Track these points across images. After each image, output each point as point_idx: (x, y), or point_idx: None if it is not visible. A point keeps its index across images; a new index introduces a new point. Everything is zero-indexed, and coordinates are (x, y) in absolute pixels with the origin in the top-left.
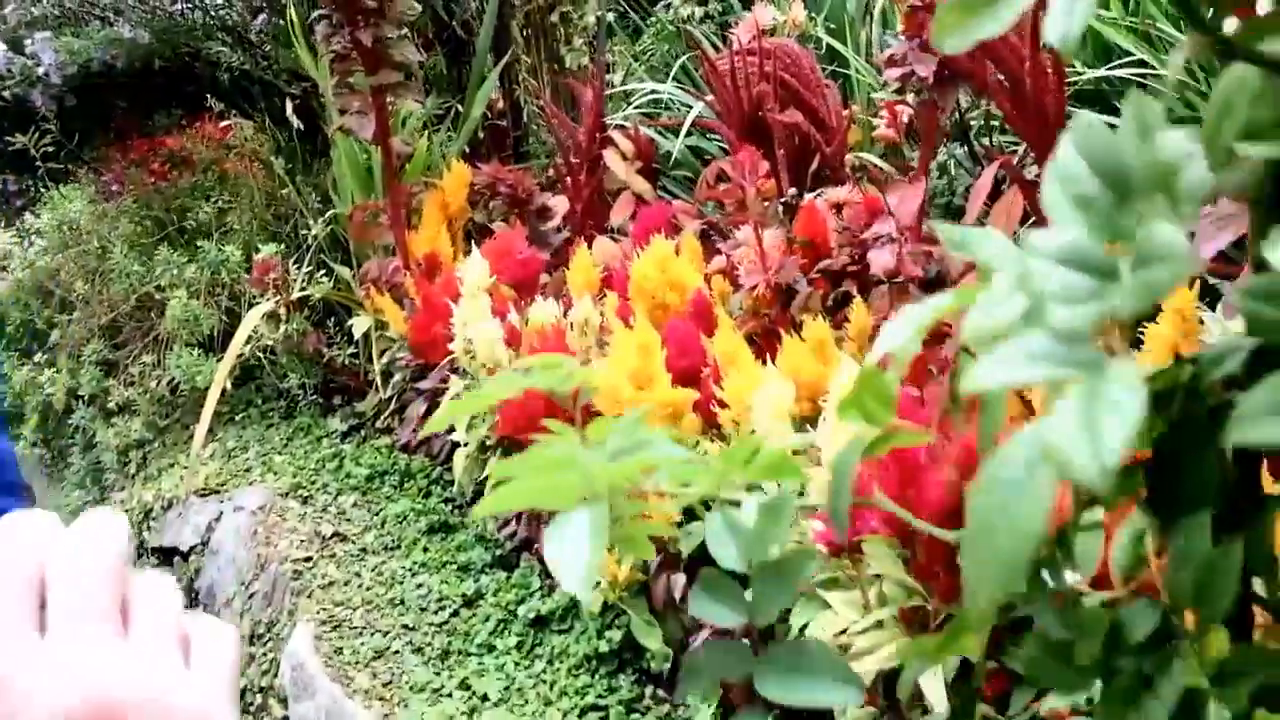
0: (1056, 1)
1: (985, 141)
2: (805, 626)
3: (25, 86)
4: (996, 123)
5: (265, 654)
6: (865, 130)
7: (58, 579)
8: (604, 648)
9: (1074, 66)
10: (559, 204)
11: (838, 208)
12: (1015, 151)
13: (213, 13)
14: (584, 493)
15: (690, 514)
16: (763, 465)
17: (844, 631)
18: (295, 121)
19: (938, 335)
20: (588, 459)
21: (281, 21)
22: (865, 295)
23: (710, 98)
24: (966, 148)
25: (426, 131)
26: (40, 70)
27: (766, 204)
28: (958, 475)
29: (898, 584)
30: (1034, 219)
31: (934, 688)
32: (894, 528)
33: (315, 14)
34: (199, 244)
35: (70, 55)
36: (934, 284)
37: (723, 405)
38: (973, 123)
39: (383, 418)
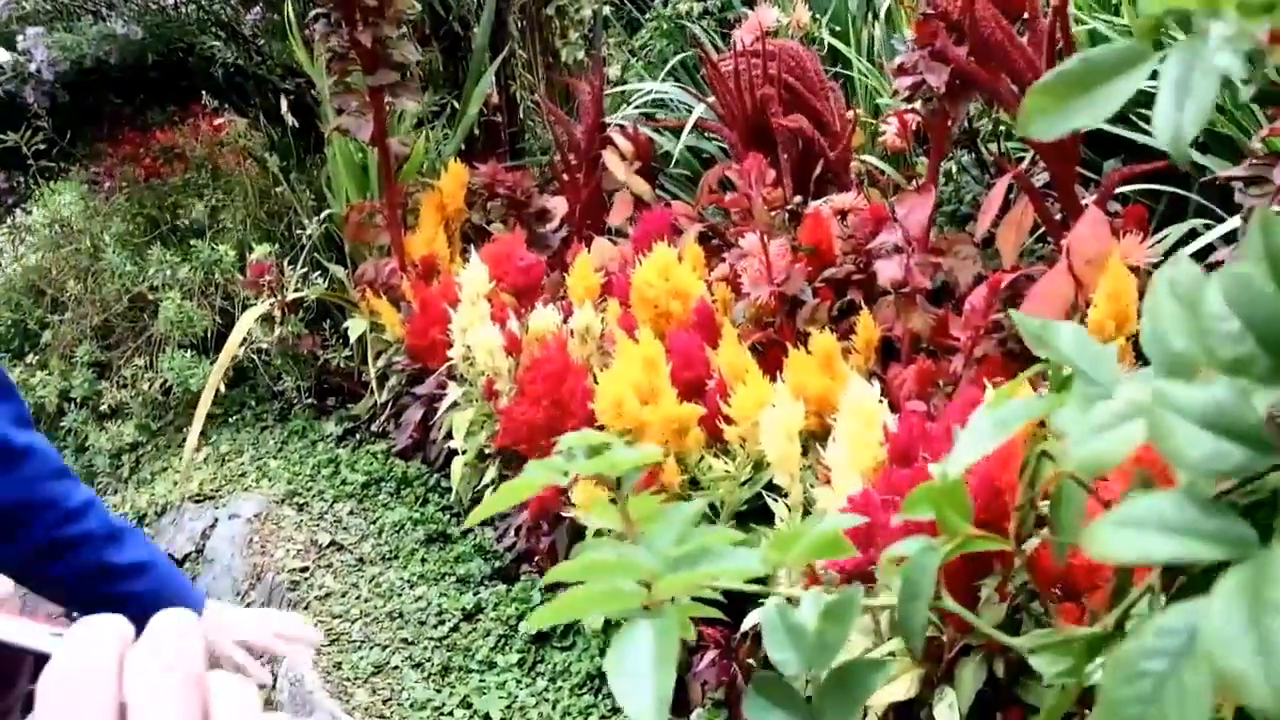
0: (1165, 93)
1: (992, 148)
2: None
3: (17, 83)
4: (1004, 128)
5: (261, 665)
6: (868, 133)
7: (140, 702)
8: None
9: None
10: (558, 206)
11: (842, 214)
12: (1023, 159)
13: (206, 7)
14: (645, 600)
15: None
16: (813, 547)
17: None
18: (290, 118)
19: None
20: (647, 564)
21: (276, 16)
22: (870, 303)
23: (712, 99)
24: (974, 155)
25: (422, 128)
26: (32, 67)
27: (773, 214)
28: (978, 504)
29: None
30: (1043, 230)
31: (946, 717)
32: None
33: (313, 12)
34: (192, 243)
35: (63, 51)
36: (940, 295)
37: (729, 421)
38: (979, 128)
39: (378, 421)
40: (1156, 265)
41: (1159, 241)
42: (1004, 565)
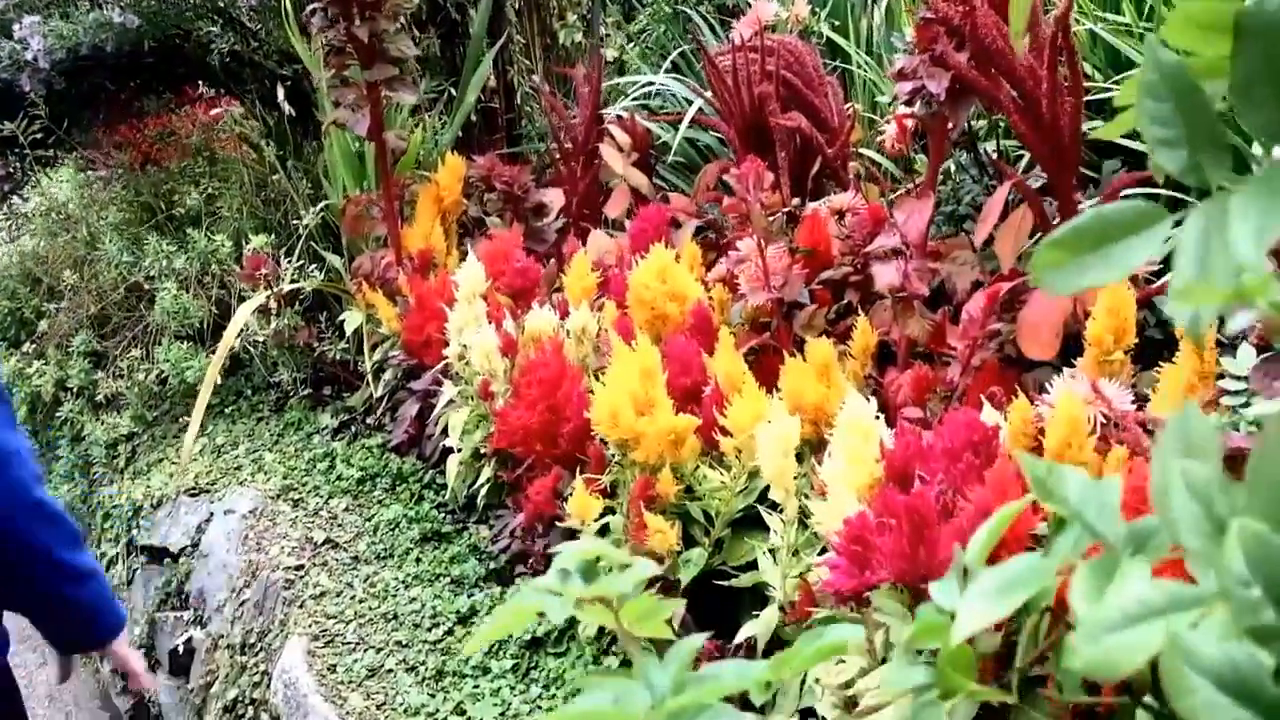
0: (1183, 264)
1: (991, 148)
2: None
3: (13, 71)
4: (1002, 126)
5: (256, 665)
6: (866, 127)
7: None
8: None
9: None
10: (555, 199)
11: (840, 214)
12: (1021, 158)
13: None
14: None
15: (690, 540)
16: (812, 659)
17: (850, 683)
18: (286, 106)
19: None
20: (645, 715)
21: (273, 1)
22: (867, 305)
23: (710, 94)
24: (972, 154)
25: (419, 117)
26: (29, 55)
27: (771, 218)
28: (969, 530)
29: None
30: (1041, 234)
31: None
32: (902, 578)
33: (310, 5)
34: (188, 232)
35: (59, 39)
36: (938, 298)
37: (725, 433)
38: (977, 129)
39: (374, 415)
40: (1155, 274)
41: None
42: None
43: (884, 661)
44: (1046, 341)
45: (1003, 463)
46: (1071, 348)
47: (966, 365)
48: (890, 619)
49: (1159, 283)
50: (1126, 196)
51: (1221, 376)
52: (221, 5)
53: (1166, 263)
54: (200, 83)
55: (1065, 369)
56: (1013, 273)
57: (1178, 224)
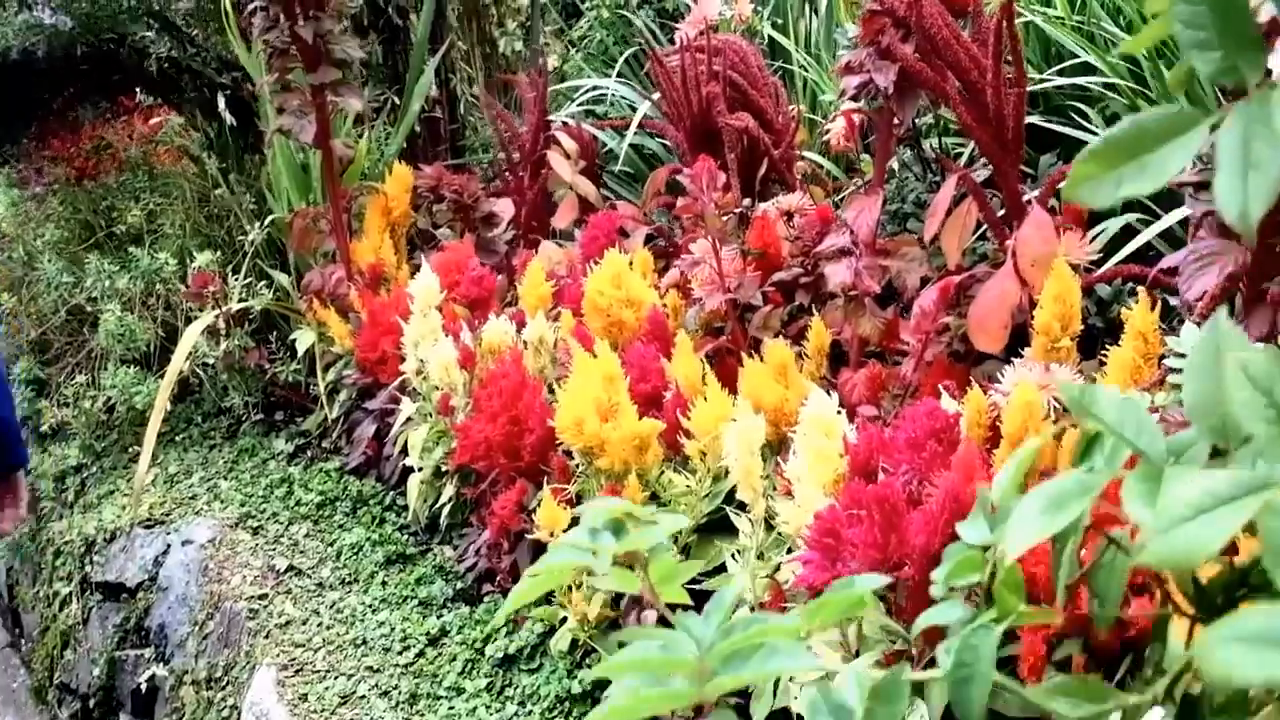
0: (1226, 165)
1: (934, 145)
2: None
3: None
4: (943, 124)
5: (224, 699)
6: (809, 129)
7: None
8: (576, 688)
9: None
10: (504, 209)
11: (788, 215)
12: (960, 156)
13: None
14: (697, 699)
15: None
16: (840, 608)
17: (826, 676)
18: (227, 115)
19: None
20: (696, 661)
21: (211, 4)
22: (819, 306)
23: (657, 96)
24: (916, 152)
25: (362, 126)
26: None
27: (725, 218)
28: (943, 520)
29: (880, 627)
30: (984, 229)
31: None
32: (875, 568)
33: (251, 5)
34: (130, 250)
35: None
36: (887, 297)
37: (689, 435)
38: (921, 126)
39: (330, 437)
40: (1095, 263)
41: (1096, 237)
42: None
43: (857, 654)
44: (995, 333)
45: (967, 447)
46: (1017, 342)
47: (920, 360)
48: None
49: (1099, 272)
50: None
51: (1164, 357)
52: (157, 8)
53: (1108, 249)
54: (138, 90)
55: (1013, 361)
56: (959, 268)
57: (1213, 128)
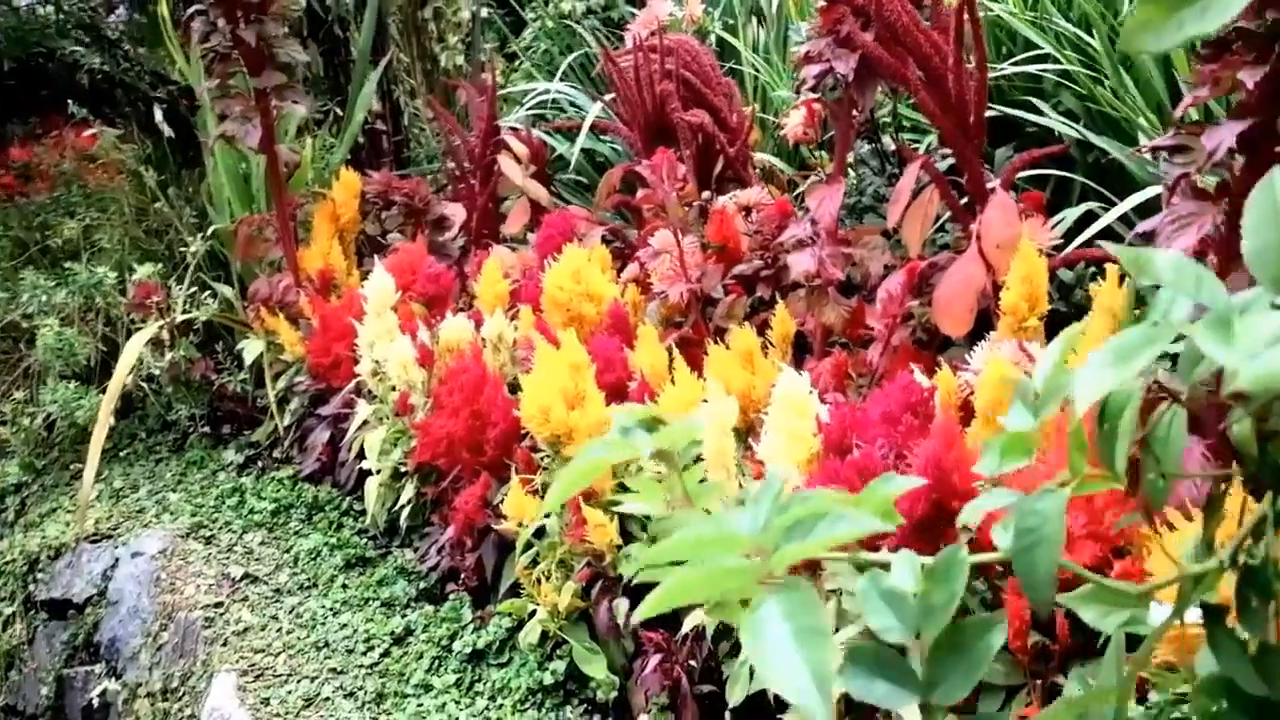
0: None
1: (889, 138)
2: None
3: None
4: (901, 119)
5: (181, 709)
6: (763, 130)
7: None
8: (547, 680)
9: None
10: (456, 213)
11: (746, 210)
12: (917, 149)
13: (66, 6)
14: (760, 577)
15: (628, 536)
16: (882, 499)
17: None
18: (165, 128)
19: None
20: (754, 536)
21: (142, 18)
22: (779, 299)
23: (609, 97)
24: (873, 146)
25: (306, 137)
26: None
27: (686, 209)
28: (928, 486)
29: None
30: (942, 218)
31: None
32: (856, 540)
33: (190, 10)
34: (67, 265)
35: None
36: (848, 288)
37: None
38: (879, 120)
39: (282, 447)
40: (1057, 249)
41: (1056, 224)
42: None
43: (836, 632)
44: (961, 316)
45: (946, 415)
46: (980, 328)
47: (886, 345)
48: (843, 580)
49: (1061, 255)
50: (1028, 178)
51: None
52: (89, 21)
53: (1068, 236)
54: (70, 104)
55: (979, 345)
56: (921, 256)
57: None
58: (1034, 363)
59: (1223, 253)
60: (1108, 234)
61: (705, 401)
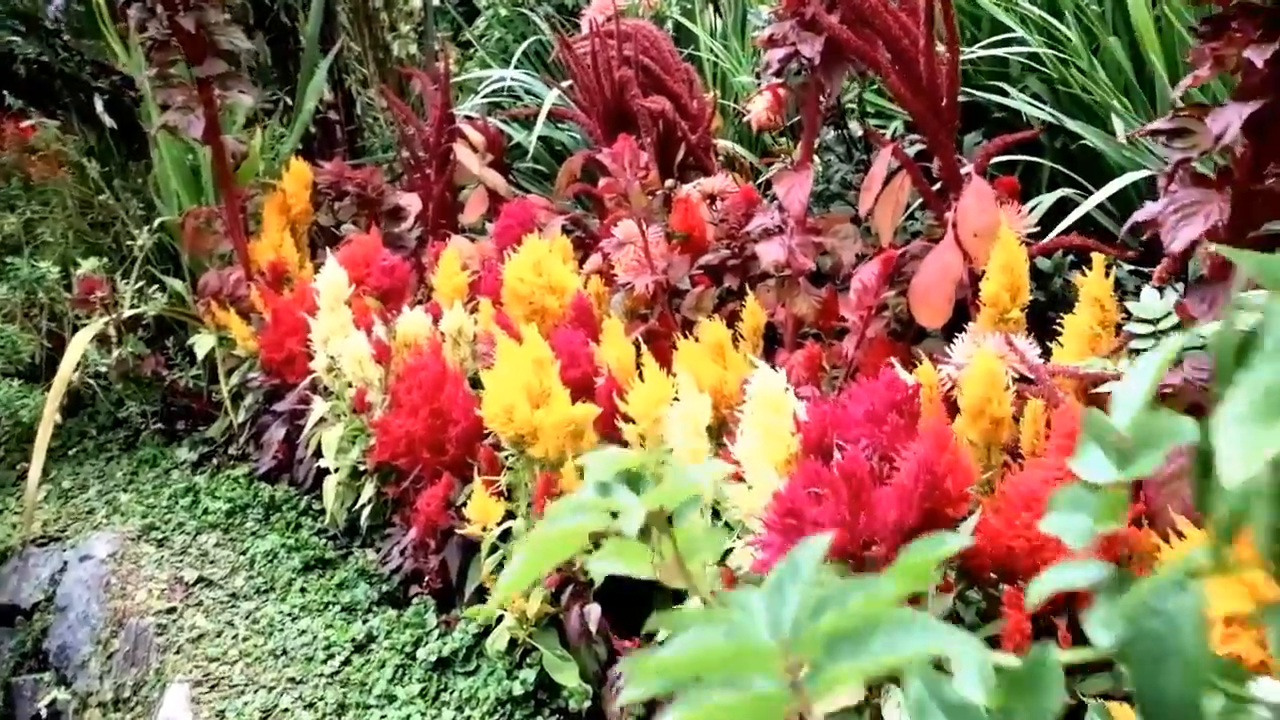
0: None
1: (861, 124)
2: None
3: None
4: (866, 105)
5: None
6: (724, 116)
7: None
8: (517, 690)
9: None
10: (412, 203)
11: (711, 198)
12: (883, 134)
13: None
14: (795, 708)
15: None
16: (924, 565)
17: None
18: (107, 120)
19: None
20: (782, 650)
21: (80, 6)
22: (748, 290)
23: (566, 84)
24: (840, 132)
25: (254, 128)
26: None
27: (650, 197)
28: (918, 493)
29: None
30: (919, 205)
31: (895, 717)
32: (843, 547)
33: None
34: (8, 260)
35: None
36: (822, 276)
37: (627, 420)
38: (845, 106)
39: (237, 444)
40: (1034, 237)
41: (1032, 209)
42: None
43: None
44: (938, 307)
45: (938, 415)
46: (955, 319)
47: (862, 336)
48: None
49: (1040, 244)
50: (1000, 164)
51: (1119, 327)
52: (24, 9)
53: (1044, 224)
54: (5, 95)
55: (957, 336)
56: (891, 245)
57: None
58: (1021, 357)
59: (1232, 242)
60: (1087, 221)
61: (677, 400)
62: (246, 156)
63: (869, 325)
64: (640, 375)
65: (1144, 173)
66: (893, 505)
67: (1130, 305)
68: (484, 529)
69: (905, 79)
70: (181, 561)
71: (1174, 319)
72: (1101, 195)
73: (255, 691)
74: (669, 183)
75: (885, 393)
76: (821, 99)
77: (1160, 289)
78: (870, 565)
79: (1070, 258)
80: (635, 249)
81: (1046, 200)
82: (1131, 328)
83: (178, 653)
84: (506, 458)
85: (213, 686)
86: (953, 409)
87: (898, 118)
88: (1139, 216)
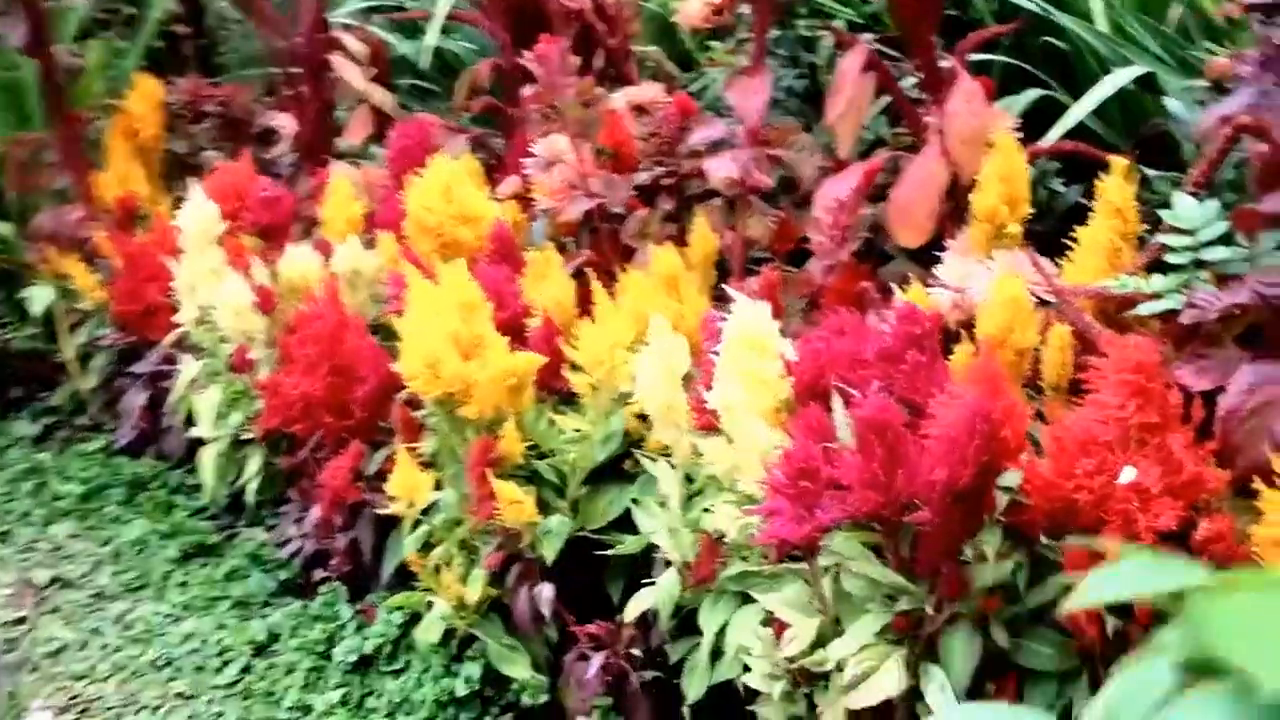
0: None
1: (803, 26)
2: (723, 630)
3: None
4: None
5: None
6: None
7: None
8: (460, 688)
9: None
10: (286, 124)
11: (639, 110)
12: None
13: None
14: None
15: (543, 506)
16: None
17: (812, 651)
18: None
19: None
20: None
21: None
22: (684, 213)
23: None
24: (784, 33)
25: (90, 41)
26: None
27: (585, 108)
28: (972, 446)
29: (871, 583)
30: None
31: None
32: (877, 511)
33: None
34: None
35: None
36: (778, 194)
37: (576, 368)
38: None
39: (88, 413)
40: (1024, 141)
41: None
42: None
43: (837, 621)
44: (921, 223)
45: (987, 351)
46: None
47: (835, 260)
48: (855, 563)
49: (1029, 149)
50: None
51: (1143, 242)
52: None
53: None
54: None
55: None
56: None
57: None
58: (1046, 279)
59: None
60: (1084, 131)
61: (646, 344)
62: (82, 73)
63: (844, 247)
64: (588, 314)
65: (1136, 70)
66: (942, 461)
67: (1163, 214)
68: (410, 505)
69: None
70: (29, 559)
71: (1217, 229)
72: (1097, 97)
73: (136, 713)
74: (598, 91)
75: (903, 326)
76: None
77: (1195, 194)
78: (906, 532)
79: (1056, 165)
80: (564, 169)
81: (1021, 101)
82: (1164, 238)
83: (33, 671)
84: (427, 416)
85: (82, 711)
86: (948, 338)
87: (839, 16)
88: (1220, 111)
